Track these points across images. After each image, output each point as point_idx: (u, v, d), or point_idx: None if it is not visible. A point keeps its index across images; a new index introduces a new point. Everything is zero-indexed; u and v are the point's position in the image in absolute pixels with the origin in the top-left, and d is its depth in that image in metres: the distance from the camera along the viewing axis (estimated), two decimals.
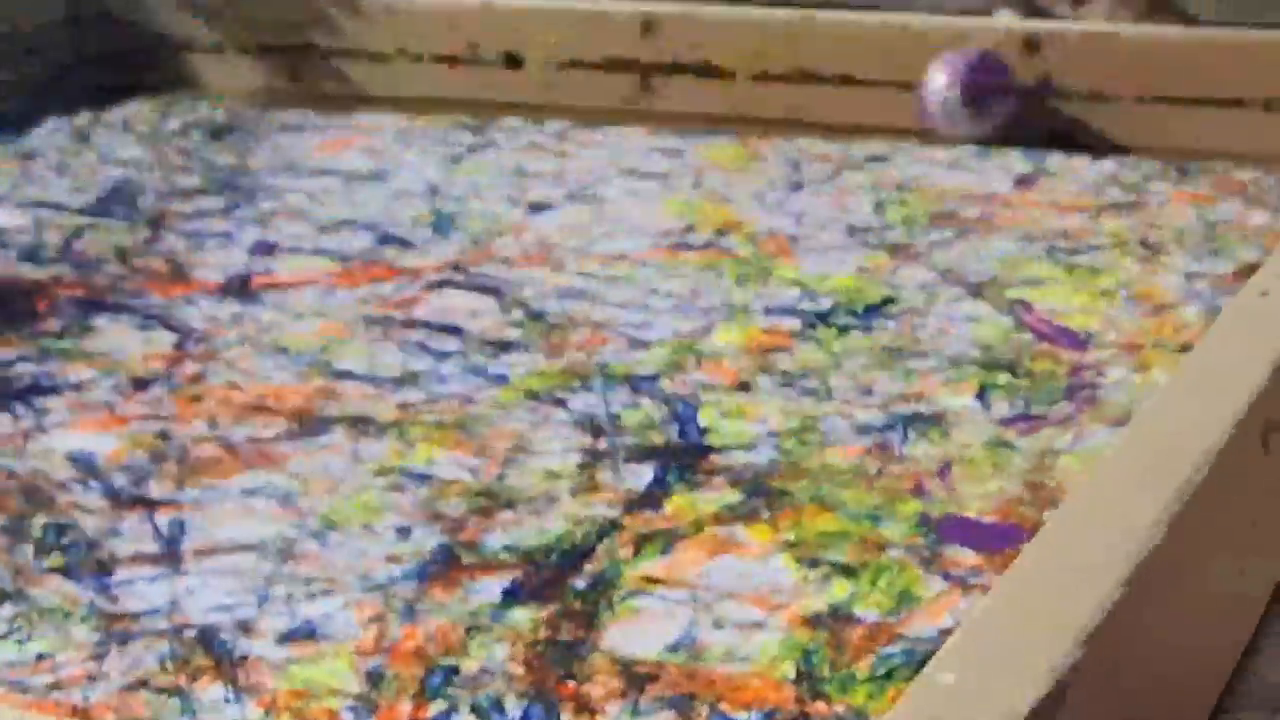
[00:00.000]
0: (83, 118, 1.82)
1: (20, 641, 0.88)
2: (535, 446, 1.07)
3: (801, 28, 1.76)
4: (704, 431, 1.09)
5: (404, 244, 1.43)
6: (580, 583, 0.91)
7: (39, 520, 1.00)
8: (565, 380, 1.17)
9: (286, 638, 0.87)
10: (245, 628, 0.88)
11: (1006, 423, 1.09)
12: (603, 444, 1.08)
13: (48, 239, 1.46)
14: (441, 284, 1.34)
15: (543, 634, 0.87)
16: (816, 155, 1.66)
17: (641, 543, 0.95)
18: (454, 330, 1.26)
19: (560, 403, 1.14)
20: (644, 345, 1.22)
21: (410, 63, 1.87)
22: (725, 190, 1.56)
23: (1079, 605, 0.64)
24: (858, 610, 0.87)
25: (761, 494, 1.00)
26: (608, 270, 1.37)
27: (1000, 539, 0.95)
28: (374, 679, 0.84)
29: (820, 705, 0.79)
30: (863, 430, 1.09)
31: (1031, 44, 1.70)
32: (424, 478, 1.04)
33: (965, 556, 0.93)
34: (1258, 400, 0.83)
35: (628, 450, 1.07)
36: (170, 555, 0.96)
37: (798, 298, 1.30)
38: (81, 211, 1.52)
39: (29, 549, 0.97)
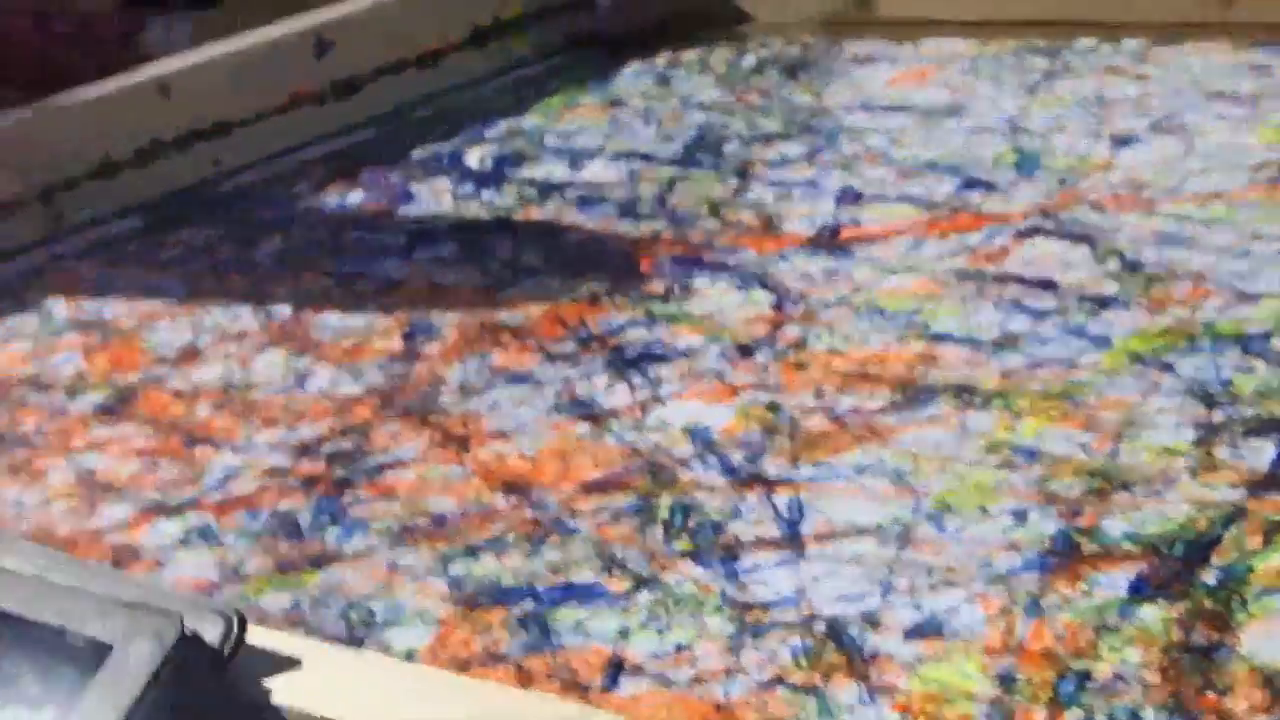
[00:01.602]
0: (662, 59, 1.87)
1: (660, 630, 0.92)
2: (1146, 419, 1.06)
3: None
4: None
5: (988, 187, 1.42)
6: (1209, 578, 0.90)
7: (665, 500, 1.04)
8: (1170, 341, 1.14)
9: (913, 633, 0.89)
10: (872, 621, 0.90)
11: None
12: (1218, 415, 1.05)
13: (642, 192, 1.51)
14: (1031, 232, 1.33)
15: (1175, 636, 0.86)
16: None
17: (1272, 531, 0.93)
18: (1049, 285, 1.24)
19: (1167, 367, 1.11)
20: (1251, 299, 1.18)
21: None
22: None
23: None
24: None
25: None
26: (1203, 212, 1.32)
27: None
28: (1005, 682, 0.84)
29: None
30: None
31: None
32: (1034, 454, 1.04)
33: None
34: None
35: (1245, 422, 1.04)
36: (792, 539, 0.99)
37: None
38: (671, 161, 1.57)
39: (659, 531, 1.01)
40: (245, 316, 1.40)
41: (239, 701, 0.78)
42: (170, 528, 1.11)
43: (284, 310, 1.40)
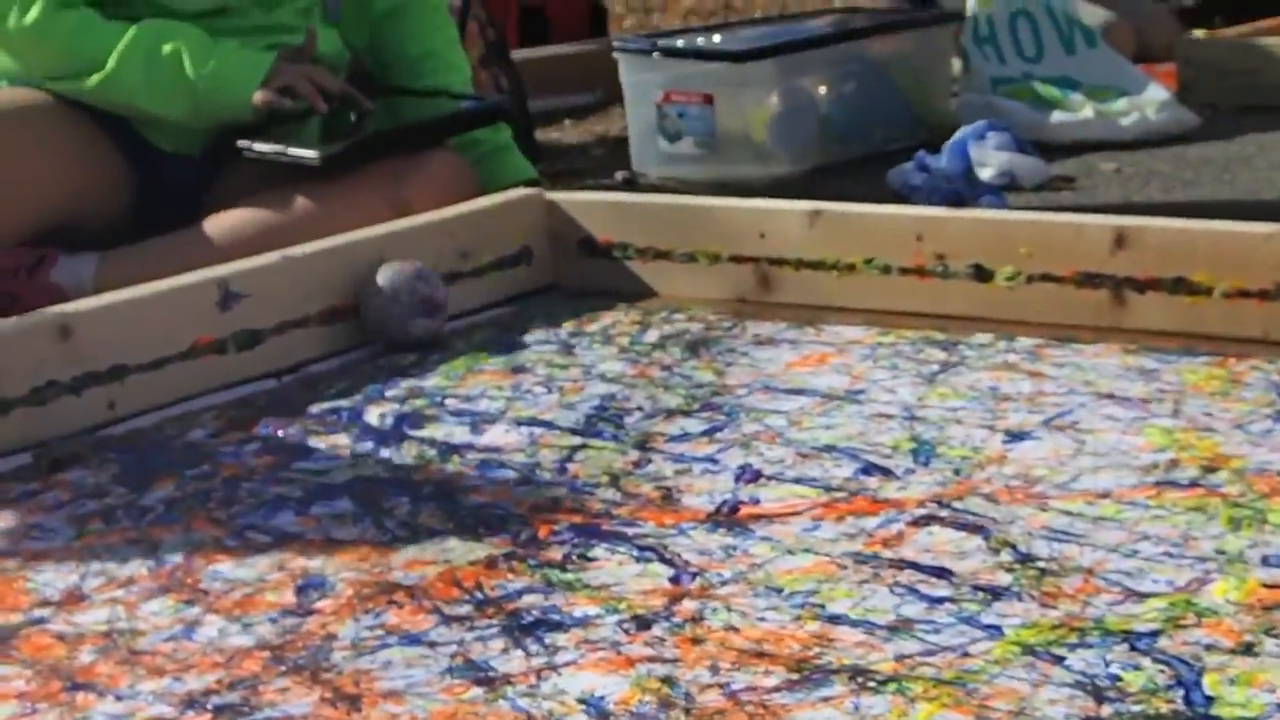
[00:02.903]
0: (566, 328, 1.90)
1: None
2: (1037, 710, 1.06)
3: None
4: (1210, 700, 1.06)
5: (885, 473, 1.44)
6: None
7: None
8: (1061, 635, 1.16)
9: None
10: None
11: None
12: (1106, 710, 1.06)
13: (542, 459, 1.52)
14: (927, 519, 1.35)
15: None
16: None
17: None
18: (943, 572, 1.26)
19: (1058, 659, 1.13)
20: (1139, 597, 1.20)
21: (879, 274, 1.89)
22: (1207, 419, 1.52)
23: None
24: None
25: None
26: (1094, 509, 1.35)
27: None
28: None
29: None
30: None
31: None
32: None
33: None
34: None
35: (1133, 718, 1.05)
36: None
37: None
38: (572, 431, 1.58)
39: None
40: (133, 562, 1.39)
41: None
42: None
43: (174, 557, 1.39)
